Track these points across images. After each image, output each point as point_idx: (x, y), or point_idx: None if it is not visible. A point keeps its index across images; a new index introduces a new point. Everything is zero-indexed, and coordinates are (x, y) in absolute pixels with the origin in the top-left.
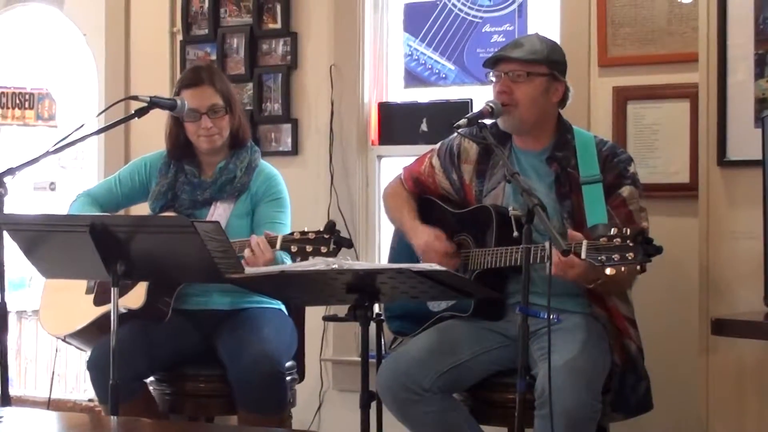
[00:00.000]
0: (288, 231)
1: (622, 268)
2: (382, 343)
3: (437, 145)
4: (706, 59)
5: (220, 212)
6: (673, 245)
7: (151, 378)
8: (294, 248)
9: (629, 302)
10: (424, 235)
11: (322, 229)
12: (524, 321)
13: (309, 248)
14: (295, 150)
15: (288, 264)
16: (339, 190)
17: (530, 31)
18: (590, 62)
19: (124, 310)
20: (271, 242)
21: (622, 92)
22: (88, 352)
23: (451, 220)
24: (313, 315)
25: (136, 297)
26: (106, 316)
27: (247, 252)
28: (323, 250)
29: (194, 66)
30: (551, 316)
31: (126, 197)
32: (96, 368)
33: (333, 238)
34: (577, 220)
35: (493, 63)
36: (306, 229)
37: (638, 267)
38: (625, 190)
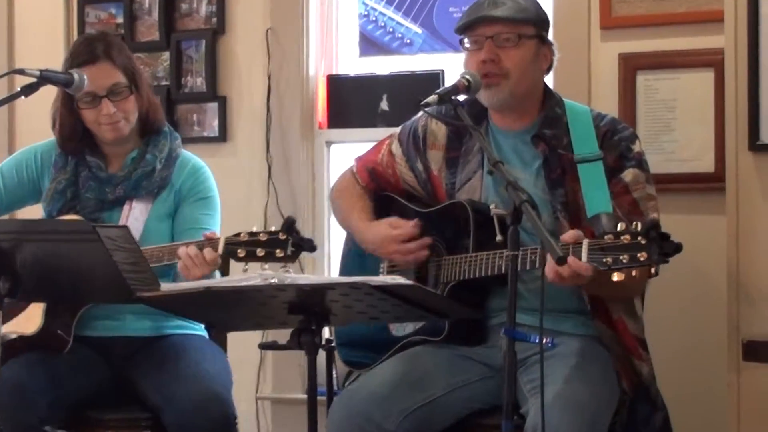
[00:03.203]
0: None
1: (633, 272)
2: (334, 376)
3: (398, 129)
4: (733, 18)
5: (136, 213)
6: (695, 249)
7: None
8: (241, 252)
9: (638, 319)
10: (375, 229)
11: (277, 228)
12: (511, 347)
13: (261, 252)
14: (223, 135)
15: (216, 278)
16: (279, 186)
17: None
18: (590, 23)
19: (13, 336)
20: (212, 246)
21: (631, 60)
22: None
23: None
24: (248, 342)
25: (29, 320)
26: None
27: (180, 263)
28: (279, 253)
29: (86, 38)
30: (545, 340)
31: (11, 197)
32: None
33: (291, 238)
34: (574, 212)
35: (468, 26)
36: (255, 229)
37: (652, 269)
38: (629, 174)
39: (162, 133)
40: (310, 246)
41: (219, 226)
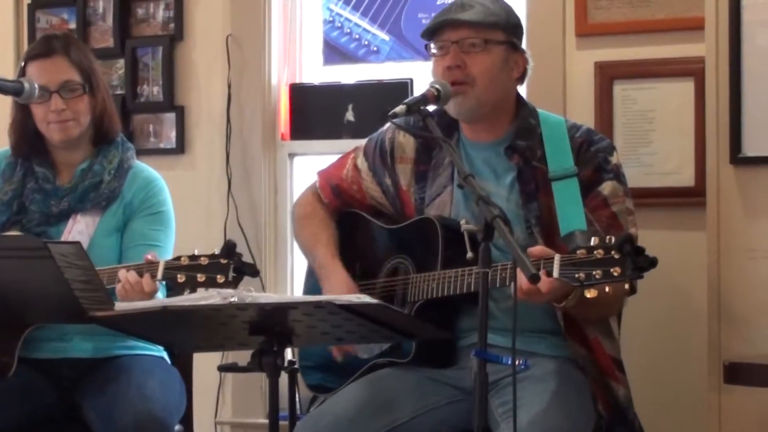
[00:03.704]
0: (169, 256)
1: (606, 288)
2: (297, 399)
3: (363, 142)
4: (714, 26)
5: (81, 228)
6: (674, 266)
7: None
8: (181, 277)
9: (614, 339)
10: (340, 278)
11: (217, 252)
12: (482, 368)
13: (201, 277)
14: (180, 147)
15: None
16: (239, 199)
17: None
18: (565, 31)
19: None
20: (151, 270)
21: (607, 69)
22: None
23: (384, 239)
24: (206, 364)
25: None
26: None
27: (119, 286)
28: (220, 279)
29: (47, 34)
30: (517, 362)
31: None
32: None
33: (232, 263)
34: (548, 227)
35: (434, 31)
36: (197, 252)
37: (626, 286)
38: (606, 187)
39: (114, 143)
40: (252, 271)
41: (172, 242)
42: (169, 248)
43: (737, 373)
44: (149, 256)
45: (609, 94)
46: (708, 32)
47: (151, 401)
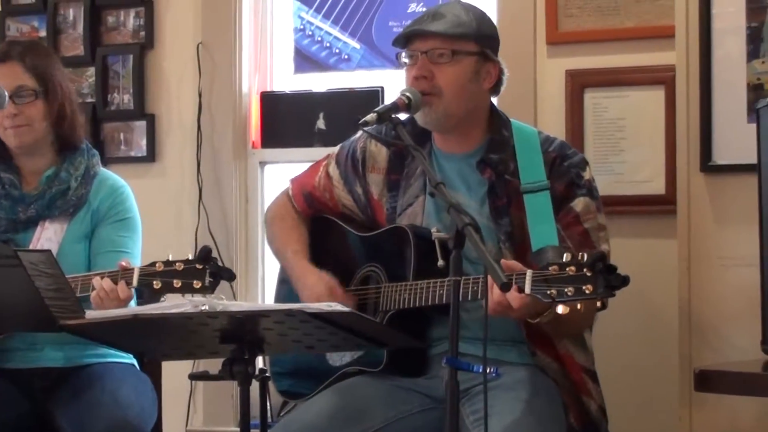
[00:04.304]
0: (138, 262)
1: (578, 305)
2: (268, 407)
3: (336, 149)
4: (684, 34)
5: (49, 235)
6: (644, 275)
7: None
8: (157, 284)
9: (588, 349)
10: (314, 286)
11: (193, 258)
12: (453, 377)
13: (177, 283)
14: (151, 155)
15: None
16: (210, 208)
17: None
18: (536, 39)
19: None
20: (126, 277)
21: (578, 77)
22: None
23: (355, 247)
24: (177, 372)
25: None
26: None
27: (94, 294)
28: (196, 285)
29: (10, 40)
30: (488, 370)
31: None
32: None
33: (208, 268)
34: (519, 243)
35: (405, 40)
36: (171, 258)
37: (598, 303)
38: (579, 203)
39: (79, 149)
40: (228, 275)
41: (139, 248)
42: (137, 254)
43: (707, 381)
44: (123, 263)
45: (580, 102)
46: (678, 40)
47: (125, 408)
